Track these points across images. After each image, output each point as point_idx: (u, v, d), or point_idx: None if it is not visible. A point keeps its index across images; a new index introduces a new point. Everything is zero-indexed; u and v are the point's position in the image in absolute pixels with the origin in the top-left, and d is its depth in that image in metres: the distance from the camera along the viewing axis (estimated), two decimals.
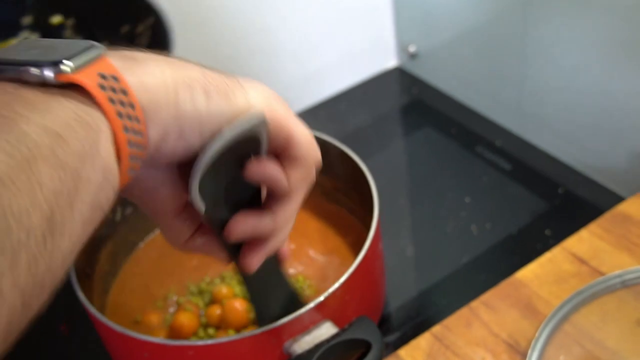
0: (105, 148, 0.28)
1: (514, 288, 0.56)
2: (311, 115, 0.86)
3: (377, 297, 0.58)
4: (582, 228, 0.59)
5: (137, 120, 0.30)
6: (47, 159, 0.25)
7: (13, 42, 0.30)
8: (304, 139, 0.37)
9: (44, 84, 0.27)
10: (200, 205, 0.34)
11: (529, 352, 0.49)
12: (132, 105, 0.29)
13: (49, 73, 0.27)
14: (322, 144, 0.62)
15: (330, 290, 0.49)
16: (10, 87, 0.27)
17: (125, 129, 0.29)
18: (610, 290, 0.53)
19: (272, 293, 0.45)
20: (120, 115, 0.29)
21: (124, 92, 0.29)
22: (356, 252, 0.61)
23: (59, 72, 0.27)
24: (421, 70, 0.89)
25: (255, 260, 0.38)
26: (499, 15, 0.73)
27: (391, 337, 0.59)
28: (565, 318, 0.51)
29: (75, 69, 0.28)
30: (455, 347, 0.52)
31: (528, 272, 0.57)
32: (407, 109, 0.87)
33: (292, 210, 0.38)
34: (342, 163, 0.62)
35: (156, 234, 0.66)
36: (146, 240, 0.66)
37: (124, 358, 0.53)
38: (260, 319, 0.46)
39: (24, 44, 0.30)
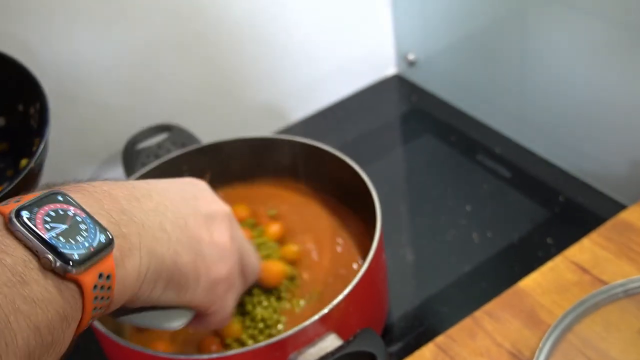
0: (69, 334, 0.32)
1: (517, 297, 0.56)
2: (310, 124, 0.87)
3: (381, 307, 0.58)
4: (583, 236, 0.59)
5: (108, 299, 0.34)
6: (18, 354, 0.28)
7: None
8: (219, 317, 0.48)
9: (52, 270, 0.31)
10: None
11: None
12: (108, 298, 0.34)
13: (62, 267, 0.31)
14: (322, 153, 0.63)
15: (335, 302, 0.49)
16: (18, 267, 0.30)
17: (95, 309, 0.33)
18: (612, 299, 0.53)
19: None
20: (95, 309, 0.33)
21: (109, 288, 0.34)
22: (360, 258, 0.61)
23: (70, 272, 0.31)
24: (420, 78, 0.89)
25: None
26: (498, 23, 0.73)
27: (394, 347, 0.59)
28: (568, 328, 0.52)
29: (85, 270, 0.32)
30: (460, 358, 0.52)
31: (530, 281, 0.57)
32: (406, 117, 0.88)
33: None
34: (342, 172, 0.62)
35: None
36: None
37: None
38: None
39: (51, 206, 0.33)
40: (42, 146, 0.47)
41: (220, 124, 0.80)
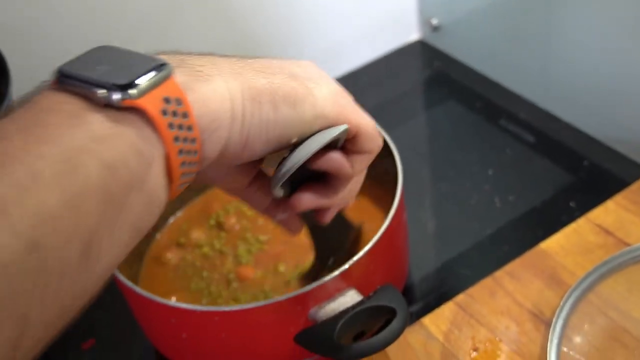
0: (155, 175, 0.30)
1: (539, 258, 0.56)
2: None
3: (401, 266, 0.59)
4: (607, 200, 0.59)
5: (194, 141, 0.31)
6: (96, 192, 0.27)
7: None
8: (370, 131, 0.39)
9: (108, 105, 0.29)
10: (279, 194, 0.40)
11: (553, 320, 0.50)
12: (190, 128, 0.31)
13: (116, 97, 0.28)
14: None
15: (355, 258, 0.49)
16: (76, 110, 0.28)
17: (180, 152, 0.30)
18: (636, 261, 0.53)
19: (331, 231, 0.49)
20: (177, 139, 0.30)
21: (185, 115, 0.30)
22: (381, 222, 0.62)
23: (125, 97, 0.29)
24: (444, 44, 0.89)
25: (325, 218, 0.44)
26: None
27: (414, 307, 0.60)
28: (590, 288, 0.52)
29: (142, 94, 0.29)
30: (479, 316, 0.53)
31: (553, 243, 0.57)
32: (430, 83, 0.87)
33: (355, 184, 0.42)
34: None
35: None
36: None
37: (151, 323, 0.54)
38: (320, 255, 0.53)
39: (94, 56, 0.31)
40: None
41: None
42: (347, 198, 0.42)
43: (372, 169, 0.64)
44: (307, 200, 0.40)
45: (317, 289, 0.48)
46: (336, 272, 0.48)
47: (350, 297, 0.49)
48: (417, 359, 0.51)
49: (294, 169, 0.37)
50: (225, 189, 0.42)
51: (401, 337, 0.51)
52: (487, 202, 0.68)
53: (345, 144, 0.39)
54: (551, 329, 0.49)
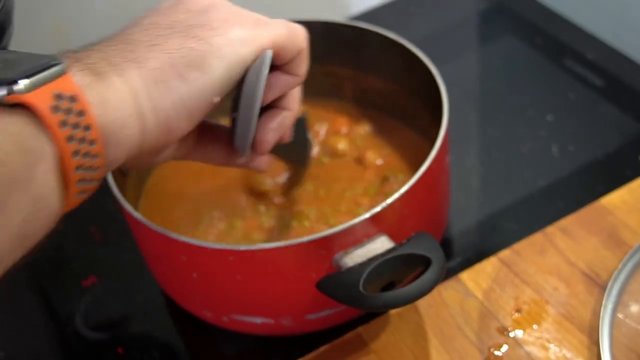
0: (43, 175, 0.30)
1: (598, 214, 0.54)
2: (376, 16, 0.84)
3: (440, 215, 0.57)
4: None
5: (93, 142, 0.31)
6: None
7: None
8: (290, 37, 0.41)
9: None
10: (247, 153, 0.44)
11: (609, 284, 0.48)
12: (87, 128, 0.31)
13: (1, 92, 0.29)
14: (387, 44, 0.61)
15: (388, 201, 0.48)
16: None
17: (76, 153, 0.31)
18: None
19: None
20: (71, 139, 0.30)
21: (81, 113, 0.31)
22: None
23: (11, 92, 0.29)
24: None
25: (287, 137, 0.47)
26: None
27: (452, 263, 0.58)
28: None
29: (30, 89, 0.30)
30: (525, 275, 0.51)
31: (615, 198, 0.55)
32: (486, 14, 0.84)
33: (299, 88, 0.45)
34: (408, 67, 0.60)
35: None
36: None
37: (160, 260, 0.54)
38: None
39: None
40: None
41: (272, 3, 0.78)
42: (298, 105, 0.45)
43: (413, 103, 0.64)
44: (271, 138, 0.43)
45: (344, 233, 0.47)
46: (366, 215, 0.47)
47: (381, 244, 0.48)
48: (451, 317, 0.50)
49: (254, 131, 0.42)
50: (174, 159, 0.43)
51: (435, 293, 0.50)
52: (543, 150, 0.66)
53: (276, 59, 0.41)
54: (606, 293, 0.48)
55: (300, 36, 0.42)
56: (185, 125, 0.37)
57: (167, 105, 0.35)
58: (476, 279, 0.52)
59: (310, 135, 0.59)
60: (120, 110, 0.33)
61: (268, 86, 0.41)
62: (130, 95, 0.34)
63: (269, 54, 0.40)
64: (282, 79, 0.42)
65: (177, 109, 0.36)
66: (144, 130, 0.35)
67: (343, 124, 0.66)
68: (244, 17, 0.40)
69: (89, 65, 0.33)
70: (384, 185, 0.60)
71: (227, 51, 0.37)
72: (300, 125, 0.54)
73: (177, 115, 0.36)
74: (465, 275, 0.52)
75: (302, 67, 0.42)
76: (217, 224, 0.58)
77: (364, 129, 0.65)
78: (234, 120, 0.43)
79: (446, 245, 0.60)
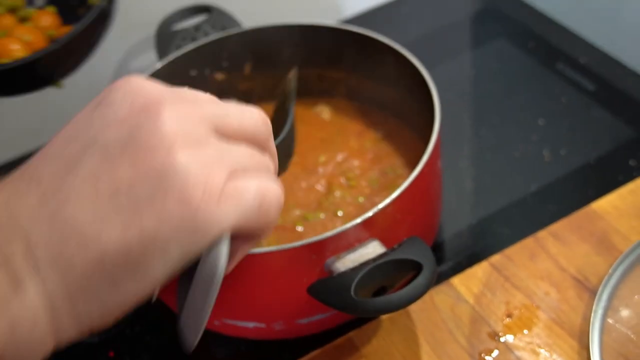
0: None
1: (588, 219, 0.55)
2: (368, 19, 0.85)
3: (432, 219, 0.58)
4: None
5: None
6: None
7: None
8: (277, 213, 0.33)
9: None
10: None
11: (600, 289, 0.49)
12: None
13: None
14: (379, 47, 0.62)
15: (380, 206, 0.48)
16: None
17: None
18: None
19: None
20: None
21: None
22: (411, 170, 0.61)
23: None
24: None
25: None
26: None
27: (443, 267, 0.59)
28: None
29: None
30: (516, 279, 0.52)
31: (606, 203, 0.55)
32: (478, 17, 0.85)
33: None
34: (400, 71, 0.61)
35: None
36: None
37: None
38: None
39: None
40: None
41: (265, 6, 0.78)
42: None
43: (406, 107, 0.64)
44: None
45: (336, 237, 0.47)
46: (358, 220, 0.47)
47: (373, 248, 0.48)
48: (443, 322, 0.51)
49: (206, 323, 0.35)
50: None
51: (427, 297, 0.51)
52: (535, 154, 0.67)
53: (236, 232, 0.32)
54: (596, 298, 0.48)
55: (272, 208, 0.32)
56: (112, 321, 0.31)
57: (93, 310, 0.30)
58: (467, 283, 0.52)
59: (294, 143, 0.56)
60: (31, 334, 0.29)
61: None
62: (43, 309, 0.29)
63: (224, 248, 0.32)
64: (243, 247, 0.34)
65: (104, 311, 0.30)
66: (58, 336, 0.30)
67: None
68: (200, 146, 0.30)
69: (12, 265, 0.28)
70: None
71: (172, 247, 0.29)
72: (289, 135, 0.53)
73: (105, 316, 0.31)
74: (457, 280, 0.52)
75: (268, 233, 0.34)
76: None
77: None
78: (179, 287, 0.36)
79: (438, 249, 0.61)
